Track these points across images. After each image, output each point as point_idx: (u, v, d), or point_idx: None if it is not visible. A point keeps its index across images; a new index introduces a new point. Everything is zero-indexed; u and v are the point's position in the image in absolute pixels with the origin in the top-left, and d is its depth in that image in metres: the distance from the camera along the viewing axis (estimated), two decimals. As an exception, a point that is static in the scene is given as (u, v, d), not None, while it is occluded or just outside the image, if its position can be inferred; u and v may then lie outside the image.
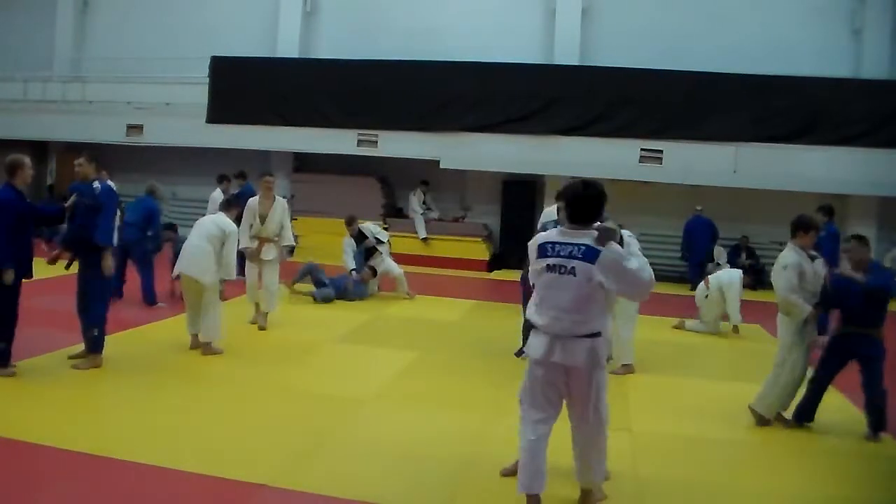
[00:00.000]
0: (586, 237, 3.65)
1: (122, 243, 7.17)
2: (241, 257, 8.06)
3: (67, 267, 6.27)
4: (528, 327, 4.06)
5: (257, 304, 8.08)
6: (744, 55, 13.01)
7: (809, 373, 5.55)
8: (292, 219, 8.67)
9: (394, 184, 15.25)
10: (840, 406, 5.82)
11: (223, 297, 6.88)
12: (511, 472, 4.18)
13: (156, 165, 14.85)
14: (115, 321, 6.49)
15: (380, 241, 10.43)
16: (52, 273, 6.24)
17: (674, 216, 13.38)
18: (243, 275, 9.01)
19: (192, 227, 7.11)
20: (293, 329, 8.08)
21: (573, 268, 3.62)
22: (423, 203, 14.58)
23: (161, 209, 9.31)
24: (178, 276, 7.09)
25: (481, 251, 14.29)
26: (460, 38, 14.30)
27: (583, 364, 3.65)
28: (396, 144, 13.96)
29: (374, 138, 14.10)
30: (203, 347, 6.73)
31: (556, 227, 4.31)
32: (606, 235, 3.63)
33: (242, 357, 6.76)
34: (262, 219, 8.05)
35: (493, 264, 14.20)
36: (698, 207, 13.14)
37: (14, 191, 5.67)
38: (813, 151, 12.50)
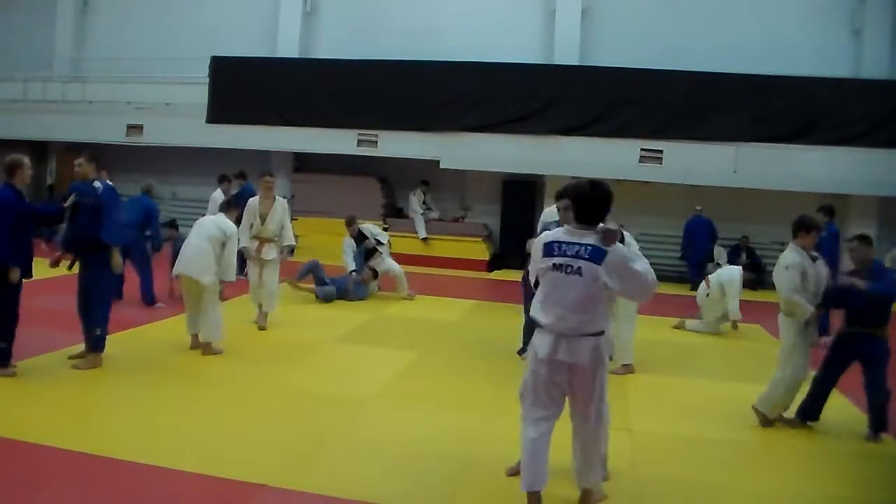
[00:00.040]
0: (592, 237, 3.66)
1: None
2: (242, 257, 8.08)
3: (70, 267, 6.27)
4: (529, 327, 4.07)
5: (260, 305, 8.08)
6: (744, 55, 13.01)
7: (811, 373, 5.55)
8: (292, 219, 8.67)
9: (394, 184, 15.25)
10: (840, 406, 5.81)
11: (223, 298, 6.88)
12: (516, 472, 4.19)
13: (156, 165, 14.85)
14: (115, 321, 6.49)
15: (379, 243, 10.42)
16: (52, 273, 6.23)
17: (674, 216, 13.38)
18: (243, 275, 9.04)
19: (192, 227, 7.12)
20: (293, 329, 8.08)
21: (579, 268, 3.63)
22: (423, 203, 14.58)
23: (158, 208, 9.30)
24: (177, 276, 7.08)
25: (481, 251, 14.29)
26: (460, 38, 14.30)
27: (587, 362, 3.67)
28: (396, 144, 13.96)
29: (374, 138, 14.10)
30: (203, 347, 6.73)
31: (557, 227, 4.31)
32: (611, 236, 3.63)
33: (242, 357, 6.76)
34: (263, 218, 8.05)
35: (493, 264, 14.21)
36: (698, 207, 13.15)
37: (13, 190, 5.68)
38: (813, 151, 12.50)
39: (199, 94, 14.51)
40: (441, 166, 13.84)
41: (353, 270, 10.06)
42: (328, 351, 7.38)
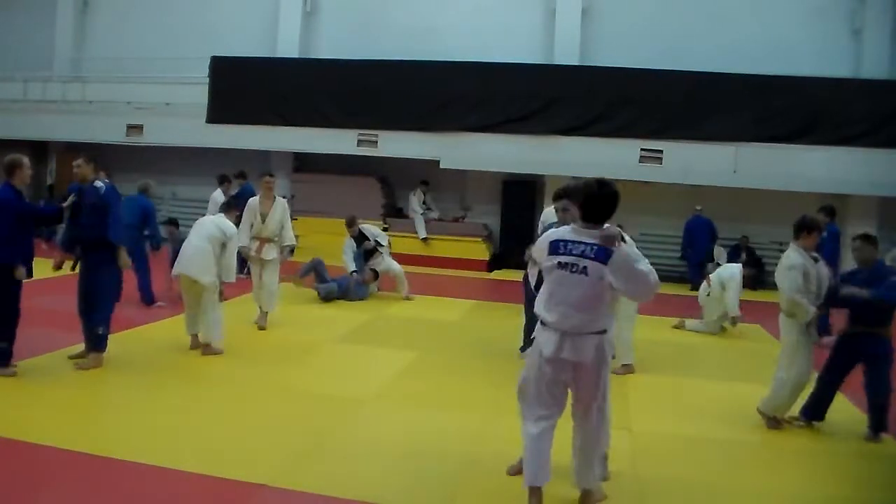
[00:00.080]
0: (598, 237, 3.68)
1: None
2: (242, 257, 8.08)
3: (74, 268, 6.28)
4: (529, 327, 4.08)
5: (260, 304, 8.08)
6: (744, 55, 13.00)
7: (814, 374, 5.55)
8: (292, 219, 8.68)
9: (394, 184, 15.25)
10: (840, 406, 5.79)
11: (222, 298, 6.87)
12: (517, 471, 4.20)
13: (156, 165, 14.84)
14: (115, 321, 6.48)
15: (379, 244, 10.43)
16: (52, 273, 6.24)
17: (674, 216, 13.38)
18: (243, 274, 9.04)
19: (191, 227, 7.12)
20: (293, 329, 8.08)
21: (585, 267, 3.65)
22: (423, 203, 14.58)
23: (155, 207, 9.29)
24: (177, 276, 7.08)
25: (481, 251, 14.29)
26: (460, 38, 14.30)
27: (591, 360, 3.69)
28: (396, 144, 13.95)
29: (374, 138, 14.10)
30: (203, 348, 6.73)
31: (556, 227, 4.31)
32: (610, 241, 3.64)
33: (242, 357, 6.76)
34: (263, 218, 8.06)
35: (493, 264, 14.20)
36: (698, 207, 13.16)
37: (13, 190, 5.68)
38: (813, 151, 12.50)
39: (199, 94, 14.50)
40: (441, 166, 13.84)
41: (354, 271, 10.08)
42: (328, 351, 7.38)
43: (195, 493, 3.95)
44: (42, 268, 6.05)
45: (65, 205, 6.08)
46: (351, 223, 10.34)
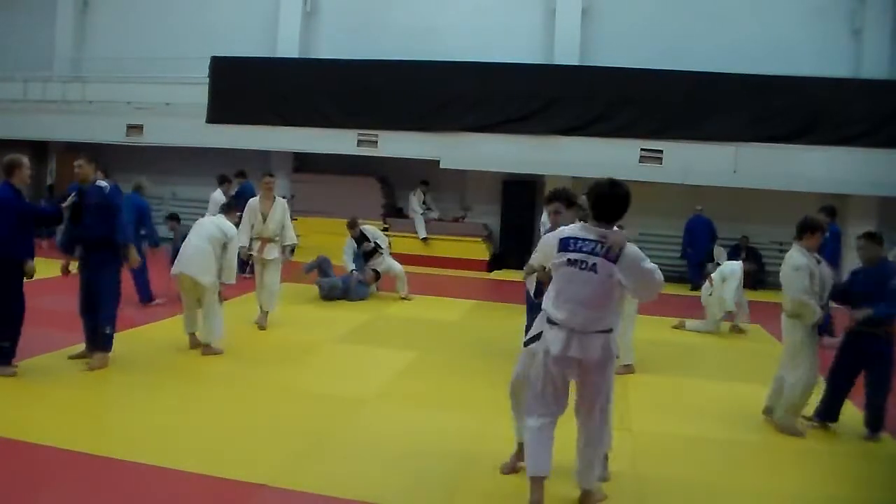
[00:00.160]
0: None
1: None
2: (243, 258, 8.08)
3: (75, 267, 6.29)
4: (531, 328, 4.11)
5: (261, 304, 8.09)
6: (744, 55, 13.01)
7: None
8: (292, 219, 8.69)
9: (394, 184, 15.25)
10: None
11: (222, 299, 6.87)
12: (511, 470, 4.23)
13: (156, 165, 14.87)
14: (117, 321, 6.48)
15: (378, 247, 10.44)
16: (51, 273, 6.24)
17: (674, 216, 13.39)
18: (246, 273, 9.04)
19: (191, 227, 7.11)
20: (293, 329, 8.08)
21: (594, 264, 3.67)
22: (423, 203, 14.58)
23: (150, 206, 9.29)
24: (176, 276, 7.07)
25: (481, 251, 14.29)
26: (460, 38, 14.31)
27: (598, 359, 3.71)
28: (396, 144, 13.96)
29: (374, 138, 14.10)
30: (203, 348, 6.73)
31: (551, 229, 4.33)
32: (615, 244, 3.65)
33: (242, 357, 6.76)
34: (264, 218, 8.07)
35: (493, 264, 14.20)
36: (698, 207, 13.16)
37: (13, 190, 5.69)
38: (813, 151, 12.50)
39: (199, 94, 14.50)
40: (441, 166, 13.84)
41: (353, 270, 10.14)
42: (328, 351, 7.38)
43: (195, 493, 3.95)
44: (42, 268, 6.04)
45: (65, 205, 6.08)
46: (353, 224, 10.39)
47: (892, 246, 12.62)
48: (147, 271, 8.73)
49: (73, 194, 6.11)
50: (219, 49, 14.68)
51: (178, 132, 14.57)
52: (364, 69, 14.14)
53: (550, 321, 3.79)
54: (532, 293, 4.32)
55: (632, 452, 4.78)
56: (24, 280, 5.70)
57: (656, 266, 3.77)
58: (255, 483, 4.06)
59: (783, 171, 12.51)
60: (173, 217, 10.29)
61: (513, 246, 14.03)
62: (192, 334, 6.86)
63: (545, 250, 3.92)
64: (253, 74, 14.63)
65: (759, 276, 12.60)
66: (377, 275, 10.35)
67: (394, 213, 15.11)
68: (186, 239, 6.97)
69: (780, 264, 5.63)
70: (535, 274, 4.26)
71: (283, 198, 8.62)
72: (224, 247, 6.78)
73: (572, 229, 3.86)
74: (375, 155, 14.23)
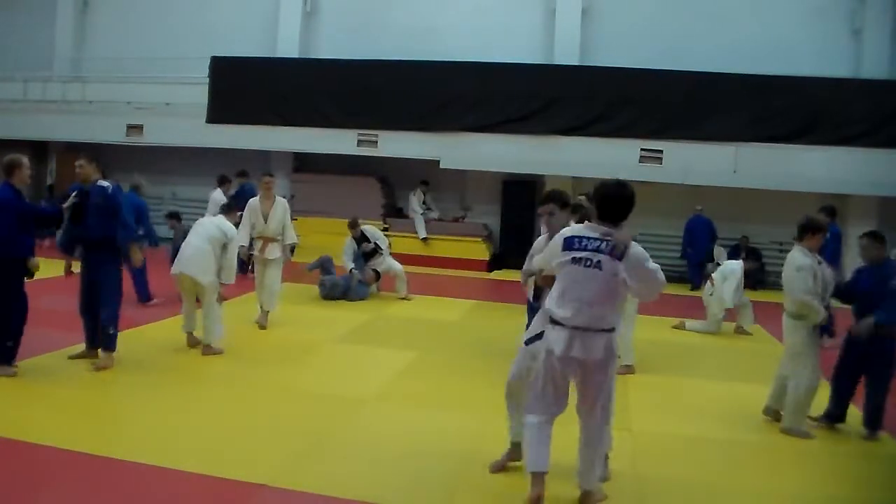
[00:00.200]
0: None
1: None
2: (242, 258, 8.08)
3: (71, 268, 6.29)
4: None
5: (261, 304, 8.10)
6: (744, 55, 13.01)
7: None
8: (292, 219, 8.69)
9: (394, 184, 15.25)
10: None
11: (221, 299, 6.87)
12: (500, 468, 4.27)
13: (156, 165, 14.88)
14: (116, 321, 6.50)
15: (378, 248, 10.45)
16: (51, 273, 6.23)
17: (674, 216, 13.39)
18: (244, 273, 9.03)
19: (191, 227, 7.11)
20: (293, 329, 8.08)
21: (599, 261, 3.69)
22: (423, 203, 14.58)
23: (147, 205, 9.28)
24: (176, 275, 7.07)
25: (481, 251, 14.29)
26: (460, 38, 14.31)
27: (600, 359, 3.72)
28: (396, 144, 13.96)
29: (374, 138, 14.10)
30: (203, 348, 6.73)
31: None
32: (623, 246, 3.67)
33: (242, 357, 6.76)
34: (265, 218, 8.09)
35: (493, 264, 14.20)
36: (698, 207, 13.17)
37: (13, 190, 5.69)
38: (813, 151, 12.51)
39: (199, 94, 14.50)
40: (441, 166, 13.85)
41: (352, 269, 10.17)
42: (328, 351, 7.38)
43: (195, 493, 3.95)
44: (42, 268, 5.99)
45: (65, 205, 6.08)
46: (354, 224, 10.42)
47: (892, 247, 12.67)
48: (146, 271, 8.73)
49: (73, 194, 6.11)
50: (219, 49, 14.68)
51: (178, 132, 14.57)
52: (364, 69, 14.14)
53: (553, 321, 3.79)
54: (530, 297, 4.33)
55: (632, 452, 4.78)
56: (26, 279, 5.70)
57: (658, 266, 3.79)
58: (255, 483, 4.06)
59: (783, 171, 12.51)
60: (174, 215, 10.28)
61: (513, 246, 14.01)
62: (190, 333, 6.88)
63: (552, 249, 3.92)
64: (253, 74, 14.63)
65: (759, 276, 12.60)
66: (377, 275, 10.37)
67: (394, 213, 15.11)
68: (186, 239, 6.98)
69: (780, 264, 5.63)
70: (533, 278, 4.27)
71: (283, 197, 8.62)
72: (224, 247, 6.79)
73: (576, 229, 3.87)
74: (375, 155, 14.23)
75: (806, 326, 5.34)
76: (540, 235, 4.59)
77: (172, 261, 7.11)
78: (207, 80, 14.58)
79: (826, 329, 5.47)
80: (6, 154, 5.87)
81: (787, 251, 5.56)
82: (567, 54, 14.07)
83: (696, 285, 12.51)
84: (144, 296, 8.78)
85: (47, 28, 16.23)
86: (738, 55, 12.99)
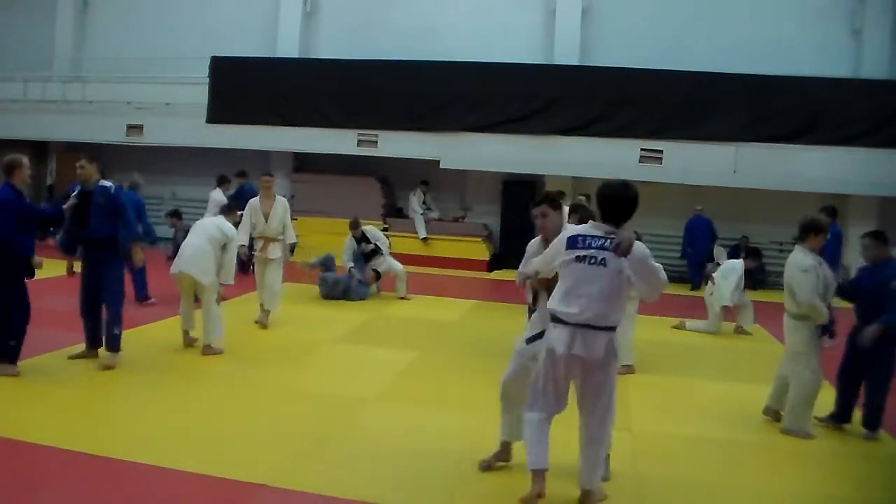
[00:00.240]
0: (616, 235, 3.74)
1: None
2: (240, 257, 8.08)
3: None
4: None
5: (262, 303, 8.10)
6: (744, 55, 13.01)
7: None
8: (292, 219, 8.71)
9: (394, 184, 15.25)
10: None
11: (220, 299, 6.86)
12: (488, 467, 4.30)
13: (156, 165, 14.88)
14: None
15: (378, 249, 10.46)
16: (51, 273, 6.23)
17: (674, 216, 13.38)
18: (244, 272, 9.02)
19: (191, 226, 7.12)
20: (294, 329, 8.08)
21: (604, 258, 3.70)
22: (423, 203, 14.58)
23: (145, 203, 9.27)
24: (175, 275, 7.06)
25: (481, 251, 14.29)
26: (460, 38, 14.31)
27: (602, 357, 3.73)
28: (396, 144, 13.96)
29: (374, 138, 14.10)
30: (203, 348, 6.73)
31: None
32: (626, 247, 3.68)
33: (243, 357, 6.76)
34: (266, 217, 8.10)
35: (493, 264, 14.20)
36: (698, 207, 13.16)
37: (13, 190, 5.69)
38: (813, 151, 12.50)
39: (199, 94, 14.50)
40: (441, 166, 13.84)
41: (351, 268, 10.19)
42: (328, 351, 7.38)
43: (195, 493, 3.95)
44: (44, 267, 6.03)
45: (66, 206, 6.08)
46: (355, 225, 10.45)
47: (893, 247, 12.67)
48: (145, 270, 8.73)
49: (74, 195, 6.10)
50: (219, 49, 14.68)
51: (178, 132, 14.56)
52: (364, 69, 14.14)
53: (557, 319, 3.79)
54: (529, 301, 4.34)
55: (632, 452, 4.78)
56: (28, 278, 5.71)
57: (660, 265, 3.82)
58: (255, 483, 4.06)
59: (783, 171, 12.51)
60: (174, 214, 10.25)
61: (513, 246, 13.93)
62: (186, 332, 6.88)
63: (555, 249, 3.92)
64: (253, 74, 14.63)
65: (759, 276, 12.60)
66: (377, 275, 10.38)
67: (394, 213, 15.11)
68: (186, 239, 6.98)
69: (780, 265, 5.63)
70: (529, 281, 4.26)
71: (283, 197, 8.63)
72: (224, 247, 6.80)
73: (579, 228, 3.89)
74: (375, 155, 14.23)
75: (807, 326, 5.34)
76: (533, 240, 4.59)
77: (173, 259, 7.11)
78: (207, 80, 14.57)
79: (826, 329, 5.47)
80: (6, 154, 5.87)
81: (788, 251, 5.56)
82: (567, 54, 14.07)
83: (696, 285, 12.51)
84: (142, 294, 8.78)
85: (47, 28, 16.22)
86: (738, 55, 12.99)
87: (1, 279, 5.57)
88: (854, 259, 5.92)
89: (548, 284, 4.08)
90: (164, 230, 13.08)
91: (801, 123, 12.55)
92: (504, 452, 4.38)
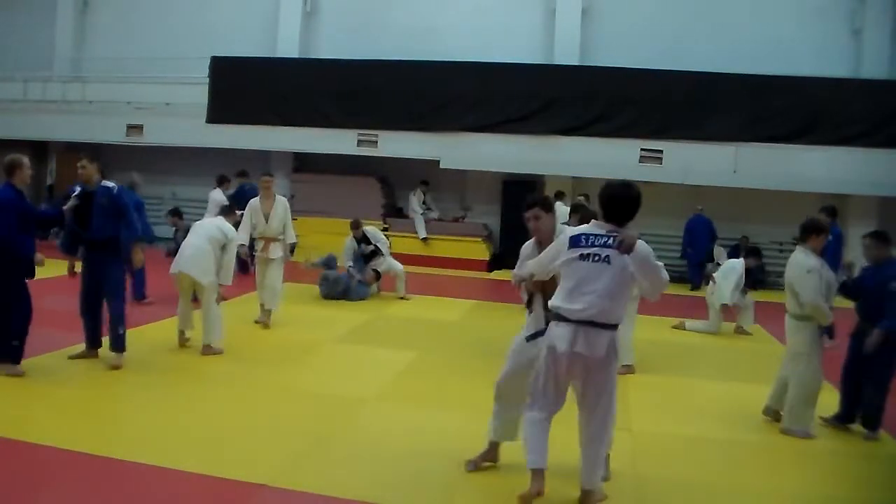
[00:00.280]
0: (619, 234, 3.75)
1: None
2: (240, 257, 8.08)
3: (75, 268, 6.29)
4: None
5: (262, 303, 8.11)
6: (744, 55, 13.01)
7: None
8: (292, 219, 8.71)
9: (394, 184, 15.25)
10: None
11: (220, 299, 6.86)
12: (475, 467, 4.30)
13: (156, 165, 14.88)
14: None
15: (378, 250, 10.46)
16: (51, 273, 6.24)
17: (674, 216, 13.38)
18: (244, 272, 9.03)
19: (191, 226, 7.12)
20: (294, 329, 8.08)
21: (608, 256, 3.71)
22: (423, 203, 14.58)
23: (143, 202, 9.27)
24: (175, 274, 7.05)
25: (481, 251, 14.29)
26: (460, 38, 14.31)
27: (603, 356, 3.74)
28: (396, 144, 13.96)
29: (374, 138, 14.10)
30: (203, 348, 6.73)
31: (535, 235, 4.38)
32: (630, 247, 3.69)
33: (243, 357, 6.76)
34: (266, 217, 8.10)
35: (493, 264, 14.20)
36: (699, 207, 13.17)
37: (14, 190, 5.69)
38: (813, 151, 12.51)
39: (199, 94, 14.50)
40: (441, 166, 13.85)
41: (350, 267, 10.22)
42: (328, 351, 7.38)
43: (195, 493, 3.95)
44: (43, 268, 6.03)
45: (66, 206, 6.08)
46: (356, 225, 10.47)
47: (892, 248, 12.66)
48: (145, 269, 8.73)
49: (75, 195, 6.10)
50: (219, 49, 14.68)
51: (178, 132, 14.56)
52: (364, 69, 14.14)
53: (559, 317, 3.79)
54: (526, 301, 4.33)
55: (632, 452, 4.78)
56: (29, 278, 5.71)
57: (662, 264, 3.83)
58: (255, 483, 4.06)
59: (783, 171, 12.51)
60: (175, 213, 10.22)
61: (513, 246, 13.80)
62: (182, 332, 6.89)
63: (556, 249, 3.92)
64: (253, 74, 14.63)
65: (759, 276, 12.58)
66: (378, 275, 10.38)
67: (394, 213, 15.11)
68: (186, 239, 6.99)
69: (780, 265, 5.63)
70: (524, 283, 4.25)
71: (283, 197, 8.64)
72: (223, 248, 6.80)
73: (581, 228, 3.90)
74: (375, 155, 14.23)
75: (809, 327, 5.33)
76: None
77: (173, 258, 7.11)
78: (207, 80, 14.58)
79: (827, 329, 5.47)
80: (6, 154, 5.87)
81: (788, 251, 5.57)
82: (567, 54, 14.07)
83: (697, 285, 12.51)
84: (141, 294, 8.78)
85: (47, 28, 16.21)
86: (738, 55, 13.00)
87: (2, 279, 5.56)
88: (854, 259, 5.90)
89: (543, 287, 4.08)
90: (163, 230, 13.10)
91: (801, 123, 12.56)
92: (491, 452, 4.39)
